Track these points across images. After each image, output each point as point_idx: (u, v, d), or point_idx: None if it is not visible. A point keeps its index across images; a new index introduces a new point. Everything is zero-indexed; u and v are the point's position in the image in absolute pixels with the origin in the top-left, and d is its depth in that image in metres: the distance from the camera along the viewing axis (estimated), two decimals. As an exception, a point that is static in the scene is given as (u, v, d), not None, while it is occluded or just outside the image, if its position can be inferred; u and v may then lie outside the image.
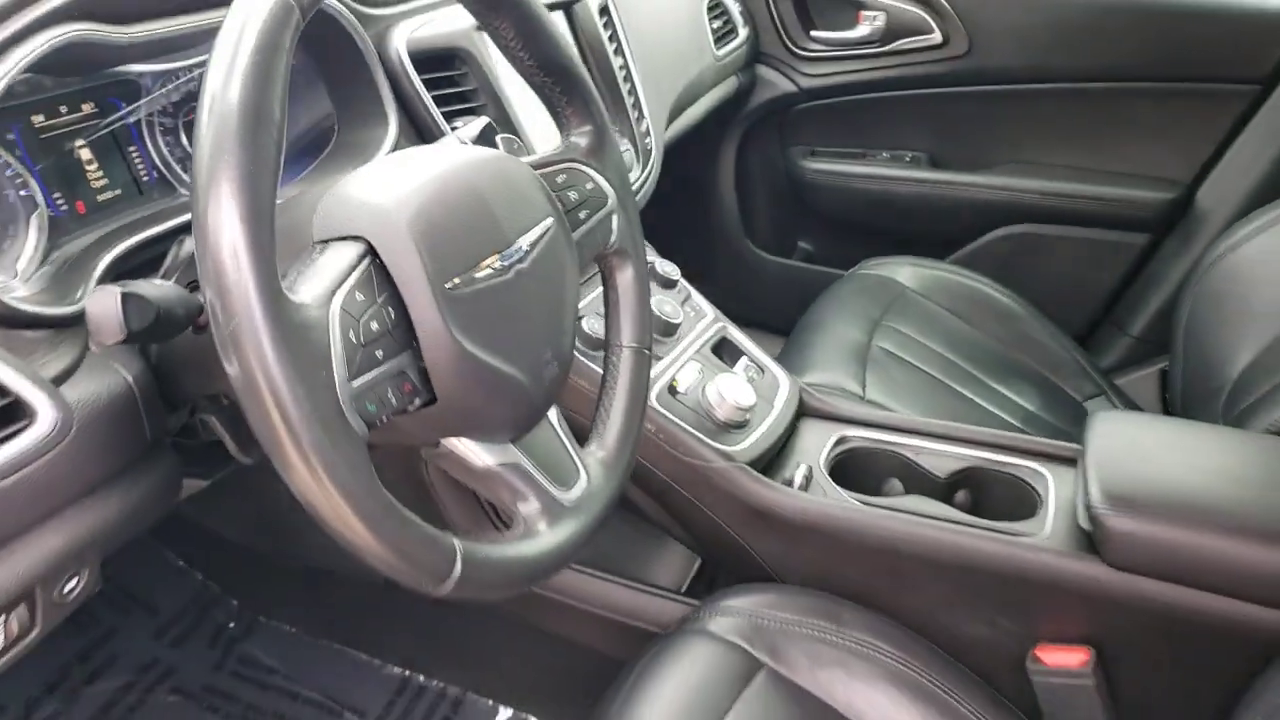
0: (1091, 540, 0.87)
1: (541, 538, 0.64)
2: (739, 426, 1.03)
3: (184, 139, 0.81)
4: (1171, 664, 0.87)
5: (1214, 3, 1.57)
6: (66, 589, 0.62)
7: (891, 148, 1.84)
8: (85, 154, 0.74)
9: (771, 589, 0.95)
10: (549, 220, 0.66)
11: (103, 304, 0.53)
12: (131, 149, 0.78)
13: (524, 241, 0.63)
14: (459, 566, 0.55)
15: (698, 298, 1.19)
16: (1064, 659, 0.88)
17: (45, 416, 0.57)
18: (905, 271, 1.56)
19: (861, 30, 1.77)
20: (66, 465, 0.58)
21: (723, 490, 0.99)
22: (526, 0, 0.69)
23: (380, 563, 0.52)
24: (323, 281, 0.53)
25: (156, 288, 0.57)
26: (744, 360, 1.14)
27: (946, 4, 1.68)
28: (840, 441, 1.07)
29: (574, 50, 0.75)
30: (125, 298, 0.53)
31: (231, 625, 1.32)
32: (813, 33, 1.83)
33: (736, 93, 1.82)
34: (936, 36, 1.71)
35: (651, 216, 1.31)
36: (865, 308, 1.46)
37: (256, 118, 0.48)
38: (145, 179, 0.78)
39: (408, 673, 1.28)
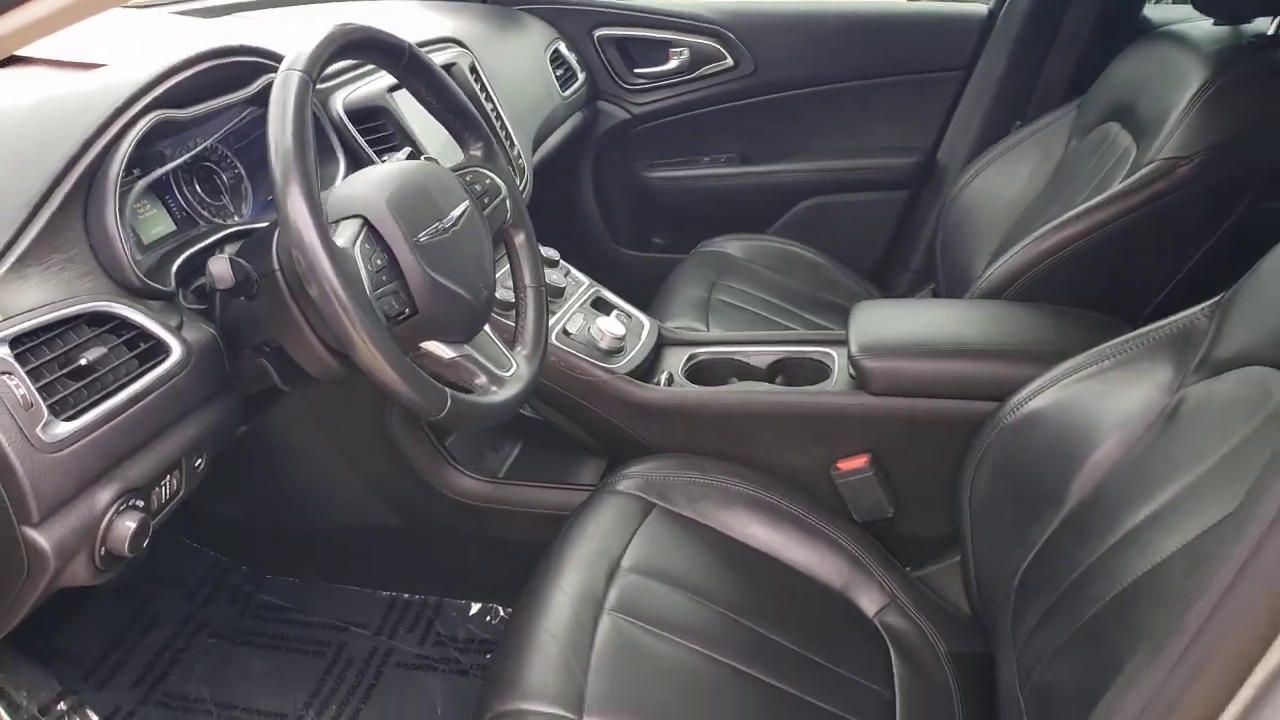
0: (858, 381, 1.29)
1: (493, 396, 1.00)
2: (617, 352, 1.41)
3: (197, 188, 1.15)
4: (920, 451, 1.27)
5: (922, 12, 2.08)
6: (196, 463, 0.93)
7: (711, 153, 2.25)
8: (142, 206, 1.08)
9: (654, 458, 1.28)
10: (466, 202, 1.02)
11: (220, 264, 0.87)
12: (167, 197, 1.11)
13: (453, 214, 0.99)
14: (448, 404, 0.91)
15: (575, 272, 1.58)
16: (853, 464, 1.28)
17: (176, 350, 0.87)
18: (733, 245, 1.99)
19: (672, 64, 2.18)
20: (191, 382, 0.88)
21: (611, 395, 1.37)
22: (433, 69, 1.07)
23: (404, 397, 0.86)
24: (346, 237, 0.89)
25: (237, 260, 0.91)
26: (615, 310, 1.53)
27: (732, 35, 2.11)
28: (691, 358, 1.46)
29: (465, 97, 1.13)
30: (231, 261, 0.88)
31: (246, 585, 1.60)
32: (635, 70, 2.22)
33: (584, 123, 2.18)
34: (729, 61, 2.14)
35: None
36: (705, 274, 1.87)
37: (301, 145, 0.84)
38: (179, 217, 1.11)
39: (394, 593, 1.58)
